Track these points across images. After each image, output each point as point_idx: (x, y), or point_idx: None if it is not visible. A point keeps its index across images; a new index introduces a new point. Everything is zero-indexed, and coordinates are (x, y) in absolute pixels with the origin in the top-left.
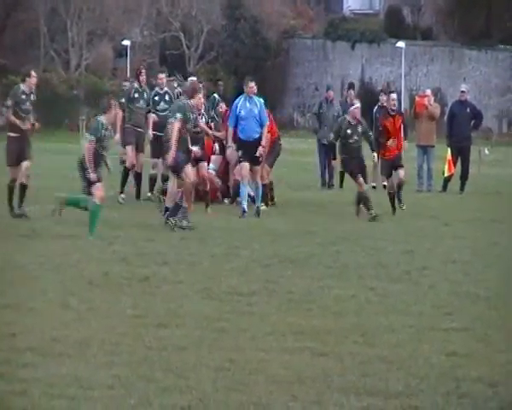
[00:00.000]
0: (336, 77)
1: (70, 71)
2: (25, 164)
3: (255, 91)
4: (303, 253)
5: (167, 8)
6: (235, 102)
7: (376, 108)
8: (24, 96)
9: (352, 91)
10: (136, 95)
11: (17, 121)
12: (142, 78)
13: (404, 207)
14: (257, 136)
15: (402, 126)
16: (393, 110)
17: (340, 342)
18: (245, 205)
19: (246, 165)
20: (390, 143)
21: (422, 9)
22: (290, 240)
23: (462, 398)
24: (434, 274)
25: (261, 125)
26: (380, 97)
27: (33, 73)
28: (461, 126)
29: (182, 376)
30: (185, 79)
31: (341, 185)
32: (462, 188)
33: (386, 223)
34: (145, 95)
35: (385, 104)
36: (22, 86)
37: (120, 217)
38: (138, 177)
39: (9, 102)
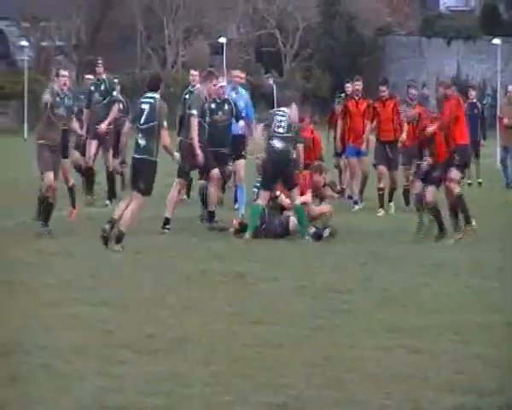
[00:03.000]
0: (432, 74)
1: (167, 68)
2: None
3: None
4: (398, 250)
5: (263, 6)
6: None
7: (466, 104)
8: (58, 99)
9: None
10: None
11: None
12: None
13: None
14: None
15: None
16: None
17: (434, 339)
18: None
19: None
20: None
21: None
22: (385, 237)
23: None
24: None
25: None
26: (468, 93)
27: (63, 72)
28: None
29: (277, 373)
30: (280, 76)
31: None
32: None
33: (480, 220)
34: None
35: (474, 100)
36: (56, 86)
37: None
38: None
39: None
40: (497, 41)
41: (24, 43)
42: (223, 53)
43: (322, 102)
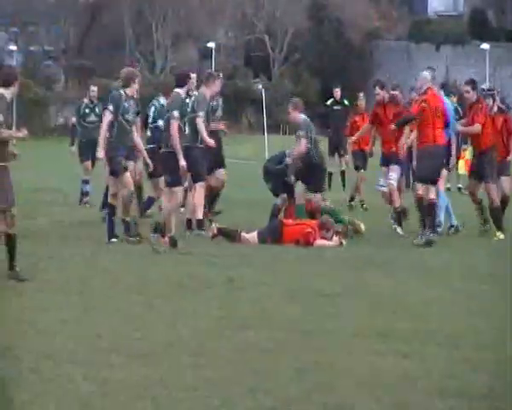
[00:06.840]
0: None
1: (155, 73)
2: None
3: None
4: (388, 254)
5: (252, 10)
6: None
7: None
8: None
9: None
10: None
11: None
12: None
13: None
14: None
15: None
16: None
17: (424, 343)
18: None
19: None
20: None
21: (507, 11)
22: (375, 242)
23: None
24: None
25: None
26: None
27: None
28: None
29: (266, 377)
30: (269, 80)
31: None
32: None
33: (471, 224)
34: None
35: (455, 105)
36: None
37: None
38: None
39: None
40: (485, 46)
41: (13, 47)
42: (211, 57)
43: (310, 107)
